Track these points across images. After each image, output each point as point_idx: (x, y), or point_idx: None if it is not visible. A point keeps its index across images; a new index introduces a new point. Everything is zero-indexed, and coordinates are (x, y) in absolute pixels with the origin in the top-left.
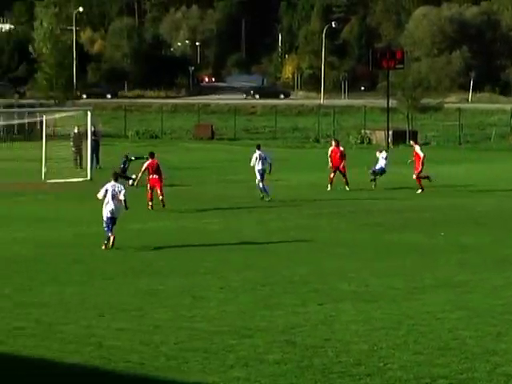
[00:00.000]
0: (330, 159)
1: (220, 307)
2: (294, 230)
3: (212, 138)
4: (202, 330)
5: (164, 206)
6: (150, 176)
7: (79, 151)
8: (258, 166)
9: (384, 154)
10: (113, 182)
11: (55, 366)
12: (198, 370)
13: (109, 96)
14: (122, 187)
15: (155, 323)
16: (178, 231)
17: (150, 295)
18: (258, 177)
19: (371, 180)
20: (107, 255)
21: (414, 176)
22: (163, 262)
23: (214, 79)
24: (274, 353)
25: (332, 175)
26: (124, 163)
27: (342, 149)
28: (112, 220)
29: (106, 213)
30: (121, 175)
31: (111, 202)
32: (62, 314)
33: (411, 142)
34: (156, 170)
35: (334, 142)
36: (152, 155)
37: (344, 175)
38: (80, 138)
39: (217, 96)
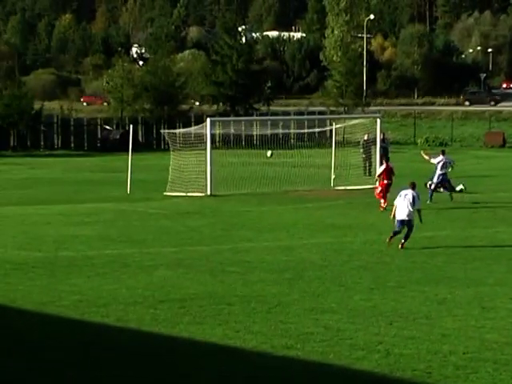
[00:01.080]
0: None
1: (510, 318)
2: None
3: (503, 145)
4: (491, 341)
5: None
6: (384, 181)
7: (368, 158)
8: (441, 171)
9: None
10: (405, 191)
11: (343, 372)
12: (487, 382)
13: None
14: (418, 197)
15: (443, 332)
16: (466, 240)
17: (438, 304)
18: (435, 180)
19: None
20: (396, 263)
21: None
22: (451, 271)
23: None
24: None
25: None
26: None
27: None
28: (404, 223)
29: (397, 215)
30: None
31: (403, 207)
32: (349, 320)
33: None
34: (389, 174)
35: None
36: (387, 160)
37: None
38: (369, 145)
39: (509, 103)
